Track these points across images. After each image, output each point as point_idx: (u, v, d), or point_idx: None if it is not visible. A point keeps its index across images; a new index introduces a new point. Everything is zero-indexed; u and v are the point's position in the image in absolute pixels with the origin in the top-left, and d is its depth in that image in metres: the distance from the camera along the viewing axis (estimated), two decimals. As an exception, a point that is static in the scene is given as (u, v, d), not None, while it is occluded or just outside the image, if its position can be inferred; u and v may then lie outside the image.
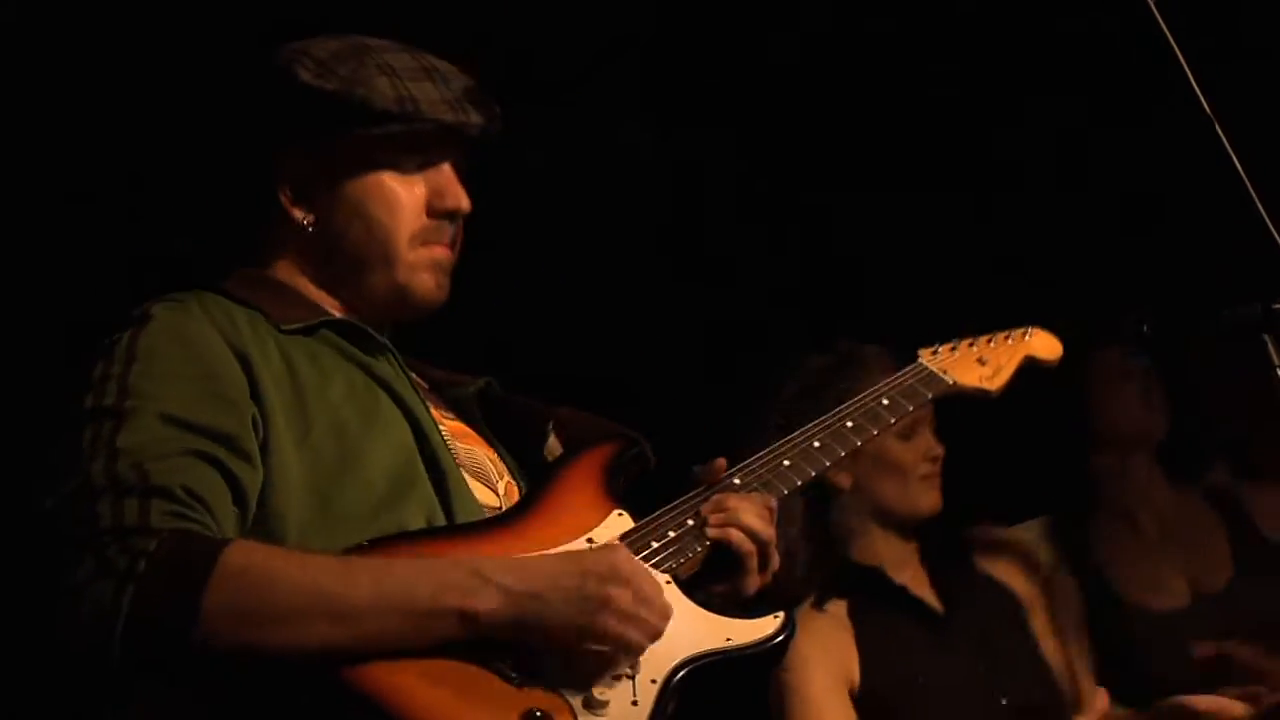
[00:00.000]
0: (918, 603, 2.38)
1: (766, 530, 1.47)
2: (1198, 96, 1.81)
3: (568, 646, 1.28)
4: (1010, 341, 1.96)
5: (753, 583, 1.48)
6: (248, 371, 1.41)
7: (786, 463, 1.59)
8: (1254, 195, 1.83)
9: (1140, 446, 2.67)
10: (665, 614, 1.32)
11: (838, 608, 2.34)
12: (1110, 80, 2.83)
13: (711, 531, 1.46)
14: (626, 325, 2.80)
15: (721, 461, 1.55)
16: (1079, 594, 2.58)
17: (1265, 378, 1.84)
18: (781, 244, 3.11)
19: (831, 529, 2.38)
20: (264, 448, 1.37)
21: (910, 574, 2.41)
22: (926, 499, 2.37)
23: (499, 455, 1.64)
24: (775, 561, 1.49)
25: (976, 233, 3.05)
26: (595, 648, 1.28)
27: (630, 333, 2.79)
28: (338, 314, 1.58)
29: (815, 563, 2.33)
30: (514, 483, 1.62)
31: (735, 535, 1.45)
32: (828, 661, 2.26)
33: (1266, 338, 1.84)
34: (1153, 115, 2.23)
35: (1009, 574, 2.48)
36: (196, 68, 2.29)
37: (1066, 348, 2.00)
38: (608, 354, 2.69)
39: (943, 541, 2.45)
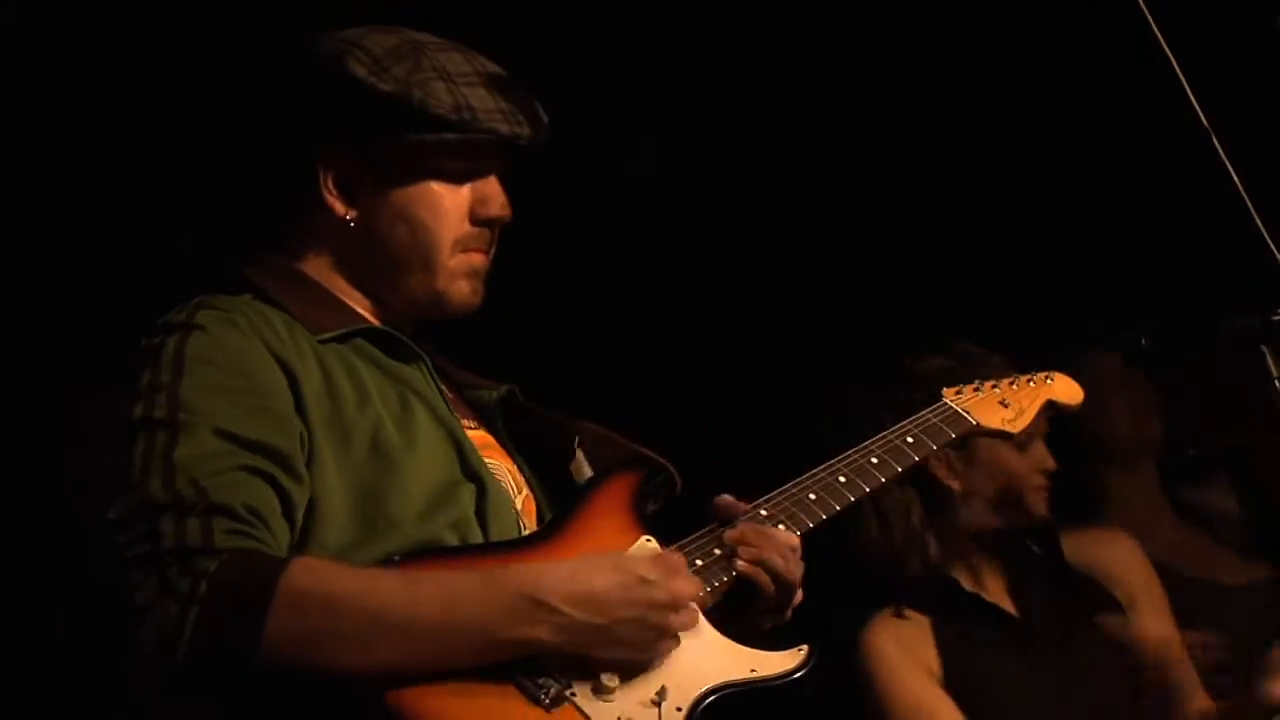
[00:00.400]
0: (992, 608, 2.41)
1: (790, 571, 1.50)
2: (1194, 106, 1.85)
3: (599, 648, 1.33)
4: (1032, 385, 1.99)
5: (773, 619, 1.52)
6: (293, 386, 1.43)
7: (812, 496, 1.61)
8: (1249, 205, 1.87)
9: (1141, 458, 2.72)
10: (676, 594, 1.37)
11: (917, 615, 2.37)
12: (1108, 85, 2.86)
13: (741, 565, 1.48)
14: (637, 335, 2.82)
15: (728, 498, 1.56)
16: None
17: (1264, 389, 1.89)
18: (781, 246, 3.14)
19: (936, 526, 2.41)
20: (308, 463, 1.40)
21: (987, 582, 2.45)
22: (1038, 509, 2.41)
23: (518, 467, 1.67)
24: (798, 599, 1.53)
25: (975, 235, 3.09)
26: (637, 675, 1.34)
27: (644, 347, 2.81)
28: (368, 315, 1.60)
29: (938, 552, 2.38)
30: (532, 496, 1.65)
31: (762, 576, 1.48)
32: (911, 660, 2.32)
33: (1265, 349, 1.88)
34: (1150, 123, 2.26)
35: (1110, 567, 2.52)
36: (235, 52, 2.29)
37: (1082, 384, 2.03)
38: (625, 369, 2.72)
39: (1030, 546, 2.50)
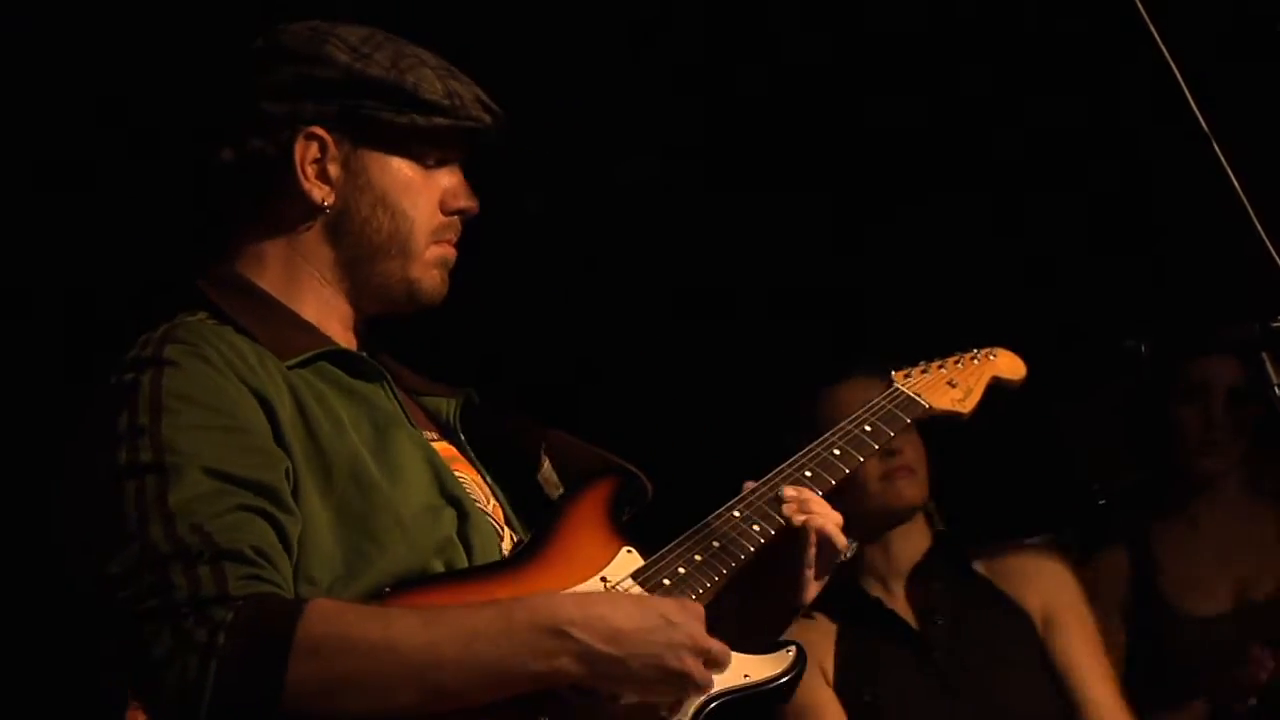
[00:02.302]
0: (893, 616, 2.48)
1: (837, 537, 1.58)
2: (1194, 112, 1.84)
3: (620, 684, 1.34)
4: (976, 363, 1.95)
5: (802, 593, 1.60)
6: (269, 417, 1.41)
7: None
8: (1250, 211, 1.86)
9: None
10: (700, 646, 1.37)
11: (823, 618, 2.45)
12: (1107, 91, 2.86)
13: (803, 519, 1.56)
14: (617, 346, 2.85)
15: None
16: (1116, 606, 2.69)
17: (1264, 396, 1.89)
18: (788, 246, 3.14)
19: None
20: (294, 496, 1.39)
21: (894, 590, 2.52)
22: (894, 498, 2.45)
23: (483, 478, 1.65)
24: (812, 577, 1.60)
25: (975, 241, 3.09)
26: (641, 689, 1.35)
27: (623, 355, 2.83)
28: (327, 328, 1.57)
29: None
30: (499, 506, 1.64)
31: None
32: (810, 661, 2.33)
33: (1265, 356, 1.87)
34: (1149, 129, 2.26)
35: (1023, 586, 2.53)
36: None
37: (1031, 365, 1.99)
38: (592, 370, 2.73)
39: (946, 558, 2.52)
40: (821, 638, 2.44)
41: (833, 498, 1.65)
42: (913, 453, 2.47)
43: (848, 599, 2.47)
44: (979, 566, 2.56)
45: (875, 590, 2.51)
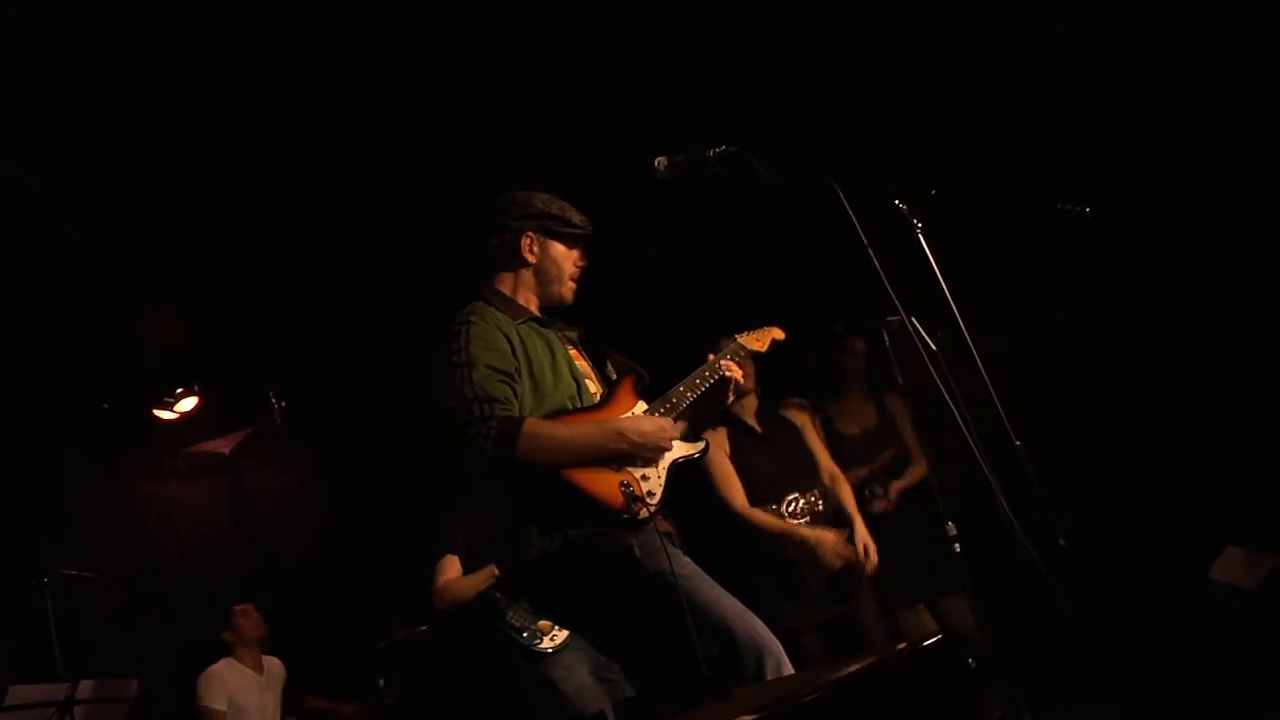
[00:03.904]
0: (749, 427, 5.12)
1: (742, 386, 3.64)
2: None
3: (646, 452, 3.31)
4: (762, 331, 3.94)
5: (722, 408, 3.68)
6: (510, 345, 3.35)
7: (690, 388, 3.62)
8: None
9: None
10: (669, 442, 3.39)
11: (721, 430, 5.06)
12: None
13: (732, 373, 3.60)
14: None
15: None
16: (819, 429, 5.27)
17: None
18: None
19: None
20: (517, 377, 3.33)
21: (748, 414, 5.17)
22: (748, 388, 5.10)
23: (591, 368, 3.62)
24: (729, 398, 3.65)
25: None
26: (650, 455, 3.35)
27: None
28: (530, 308, 3.51)
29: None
30: (598, 380, 3.59)
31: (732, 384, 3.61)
32: (719, 441, 5.04)
33: (884, 335, 4.32)
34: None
35: (796, 417, 5.21)
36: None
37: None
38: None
39: (769, 408, 5.09)
40: (724, 434, 5.17)
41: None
42: (748, 369, 4.94)
43: (731, 419, 5.05)
44: (779, 410, 5.21)
45: (743, 415, 5.13)
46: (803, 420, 5.26)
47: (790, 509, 4.99)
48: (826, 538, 4.90)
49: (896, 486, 5.46)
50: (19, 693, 4.95)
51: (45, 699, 5.00)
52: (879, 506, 5.40)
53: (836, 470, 5.20)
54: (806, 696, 2.12)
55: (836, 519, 5.05)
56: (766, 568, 4.96)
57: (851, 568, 4.91)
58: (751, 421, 5.19)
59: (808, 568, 4.91)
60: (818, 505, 4.99)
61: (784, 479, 5.04)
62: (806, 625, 4.89)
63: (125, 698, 5.20)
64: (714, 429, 5.04)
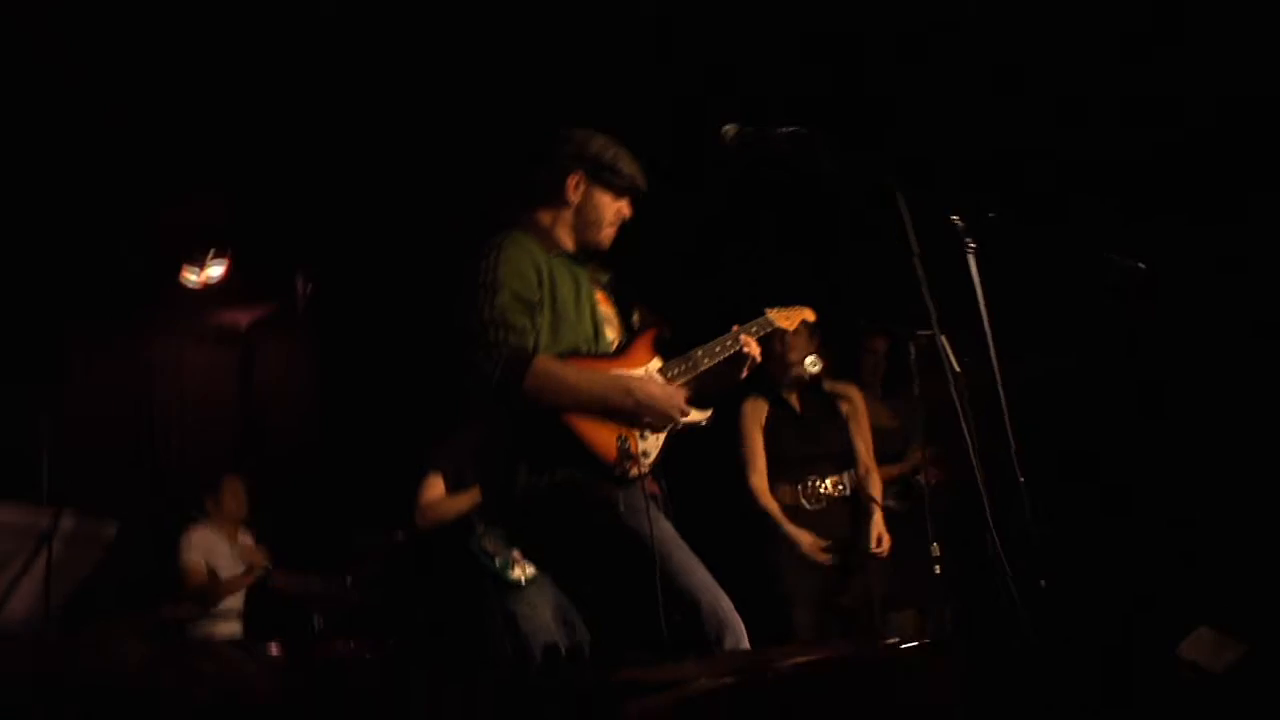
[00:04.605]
0: (788, 404, 5.19)
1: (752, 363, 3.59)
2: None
3: (649, 416, 3.32)
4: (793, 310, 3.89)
5: (732, 381, 3.58)
6: (538, 275, 3.36)
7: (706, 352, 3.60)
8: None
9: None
10: (676, 412, 3.39)
11: (763, 399, 5.21)
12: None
13: (753, 350, 3.56)
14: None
15: None
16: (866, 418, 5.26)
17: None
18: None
19: None
20: (539, 307, 3.34)
21: (789, 396, 5.23)
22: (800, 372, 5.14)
23: (616, 314, 3.63)
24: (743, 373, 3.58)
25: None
26: (654, 420, 3.35)
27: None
28: (566, 244, 3.51)
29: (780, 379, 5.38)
30: (620, 328, 3.61)
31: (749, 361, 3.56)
32: (756, 416, 5.20)
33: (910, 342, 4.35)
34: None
35: (846, 399, 5.24)
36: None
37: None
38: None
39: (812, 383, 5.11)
40: (762, 406, 5.37)
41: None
42: (803, 345, 5.07)
43: (774, 395, 5.17)
44: (825, 387, 5.22)
45: (786, 394, 5.20)
46: (852, 404, 5.35)
47: (805, 490, 5.11)
48: (804, 539, 5.09)
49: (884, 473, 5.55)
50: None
51: (26, 523, 5.03)
52: (892, 506, 5.50)
53: (872, 463, 5.28)
54: (769, 672, 2.13)
55: (854, 510, 5.21)
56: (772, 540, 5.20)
57: (849, 559, 5.03)
58: (791, 398, 5.33)
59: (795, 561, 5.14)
60: (843, 491, 5.17)
61: (811, 460, 5.21)
62: (803, 600, 5.06)
63: (104, 540, 5.24)
64: (755, 399, 5.31)
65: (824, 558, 5.04)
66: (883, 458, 5.48)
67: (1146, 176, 5.42)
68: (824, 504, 5.12)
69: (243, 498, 6.39)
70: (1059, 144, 5.46)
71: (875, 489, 5.20)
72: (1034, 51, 5.19)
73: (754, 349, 3.54)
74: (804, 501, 5.15)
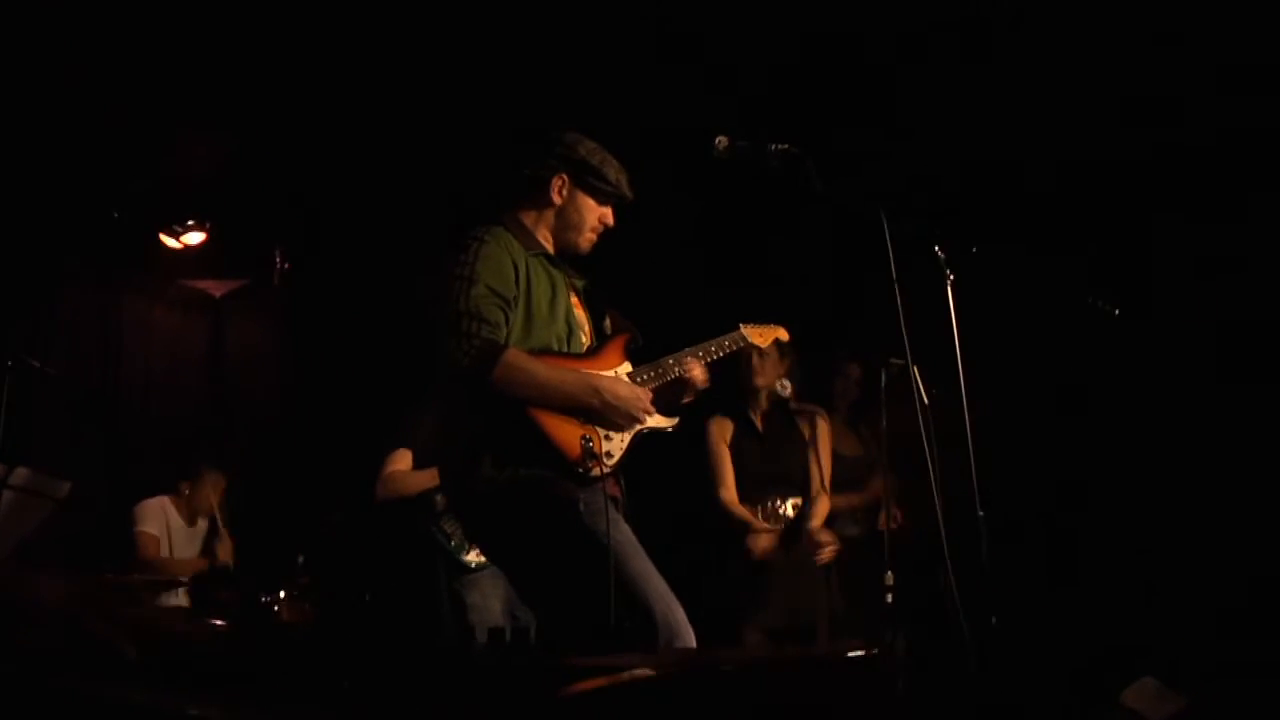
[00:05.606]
0: (752, 422, 5.19)
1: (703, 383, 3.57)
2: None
3: (615, 416, 3.30)
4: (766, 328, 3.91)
5: (687, 398, 3.58)
6: (515, 272, 3.35)
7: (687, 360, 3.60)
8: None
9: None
10: (642, 415, 3.37)
11: (729, 418, 5.22)
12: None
13: (696, 375, 3.55)
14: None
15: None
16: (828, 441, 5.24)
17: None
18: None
19: None
20: (514, 307, 3.33)
21: (755, 414, 5.24)
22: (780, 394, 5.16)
23: (588, 319, 3.61)
24: (687, 398, 3.58)
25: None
26: (619, 421, 3.33)
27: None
28: (546, 246, 3.50)
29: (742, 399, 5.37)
30: (591, 332, 3.59)
31: (696, 383, 3.56)
32: (722, 433, 5.19)
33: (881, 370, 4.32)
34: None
35: (810, 422, 5.24)
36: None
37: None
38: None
39: (778, 403, 5.12)
40: (728, 425, 5.31)
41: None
42: (776, 366, 5.14)
43: (741, 414, 5.29)
44: (791, 406, 5.26)
45: (751, 412, 5.22)
46: (816, 427, 5.30)
47: (765, 511, 5.17)
48: (760, 540, 5.14)
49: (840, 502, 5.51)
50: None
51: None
52: (852, 532, 5.48)
53: (825, 487, 5.22)
54: (710, 666, 2.13)
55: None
56: (738, 558, 5.16)
57: (803, 580, 5.05)
58: (756, 418, 5.29)
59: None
60: (785, 511, 5.15)
61: (772, 480, 5.19)
62: (756, 621, 5.05)
63: (55, 496, 5.19)
64: (720, 418, 5.28)
65: (771, 556, 5.06)
66: (845, 485, 5.46)
67: (1146, 176, 5.46)
68: (782, 525, 5.10)
69: (220, 493, 6.34)
70: (1059, 144, 5.47)
71: (817, 511, 5.14)
72: (1034, 51, 5.20)
73: (696, 373, 3.55)
74: (763, 521, 5.13)
